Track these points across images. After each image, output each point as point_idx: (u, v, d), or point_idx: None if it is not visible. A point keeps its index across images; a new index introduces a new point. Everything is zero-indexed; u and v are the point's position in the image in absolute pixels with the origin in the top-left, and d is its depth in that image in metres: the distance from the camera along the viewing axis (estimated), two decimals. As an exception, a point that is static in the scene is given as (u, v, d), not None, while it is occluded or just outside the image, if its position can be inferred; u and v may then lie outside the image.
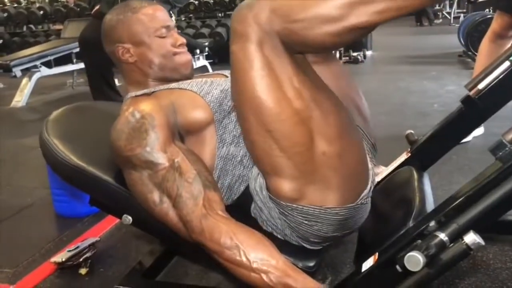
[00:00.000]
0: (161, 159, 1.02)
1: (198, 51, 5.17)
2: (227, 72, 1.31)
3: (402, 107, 3.42)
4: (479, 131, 2.55)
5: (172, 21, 1.25)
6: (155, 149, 1.02)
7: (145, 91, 1.19)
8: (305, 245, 1.10)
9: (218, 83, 1.16)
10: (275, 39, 0.89)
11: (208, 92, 1.13)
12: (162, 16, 1.22)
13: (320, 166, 0.97)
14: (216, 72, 1.35)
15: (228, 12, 7.58)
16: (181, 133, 1.10)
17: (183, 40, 1.24)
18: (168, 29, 1.22)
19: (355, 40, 0.92)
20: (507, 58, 1.21)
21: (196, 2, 7.42)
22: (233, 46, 0.93)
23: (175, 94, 1.13)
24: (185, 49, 1.25)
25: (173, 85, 1.18)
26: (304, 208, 1.00)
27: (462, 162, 2.21)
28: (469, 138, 2.48)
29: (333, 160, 0.98)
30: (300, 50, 0.94)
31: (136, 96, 1.18)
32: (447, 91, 3.84)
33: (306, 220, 1.02)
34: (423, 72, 4.83)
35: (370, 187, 1.09)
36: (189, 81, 1.19)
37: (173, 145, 1.04)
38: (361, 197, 1.05)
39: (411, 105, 3.47)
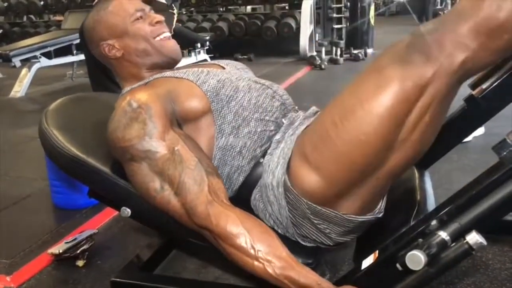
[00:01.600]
0: (160, 147, 1.01)
1: (199, 45, 5.16)
2: (223, 63, 1.30)
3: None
4: (480, 131, 2.54)
5: (146, 5, 1.24)
6: (154, 138, 1.01)
7: (140, 83, 1.19)
8: (304, 243, 1.10)
9: (215, 73, 1.15)
10: (464, 66, 0.83)
11: (204, 81, 1.12)
12: (133, 1, 1.22)
13: (365, 186, 0.97)
14: (212, 62, 1.34)
15: (229, 7, 7.57)
16: (179, 122, 1.10)
17: (160, 17, 1.22)
18: (143, 12, 1.21)
19: None
20: (511, 58, 1.20)
21: (198, -4, 7.39)
22: (403, 64, 0.86)
23: (171, 83, 1.13)
24: (164, 26, 1.23)
25: (168, 73, 1.17)
26: (322, 209, 1.00)
27: (463, 161, 2.21)
28: (469, 138, 2.47)
29: (379, 185, 0.98)
30: (501, 57, 0.89)
31: (133, 88, 1.17)
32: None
33: (316, 220, 1.02)
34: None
35: (383, 198, 1.09)
36: (184, 70, 1.18)
37: (172, 133, 1.03)
38: (375, 210, 1.06)
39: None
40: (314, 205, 1.00)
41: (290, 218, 1.06)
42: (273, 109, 1.15)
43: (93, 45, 1.24)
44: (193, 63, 1.33)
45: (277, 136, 1.13)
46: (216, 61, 1.33)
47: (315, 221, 1.03)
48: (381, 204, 1.08)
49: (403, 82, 0.85)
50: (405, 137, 0.89)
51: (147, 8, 1.23)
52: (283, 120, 1.16)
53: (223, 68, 1.27)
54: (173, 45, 1.24)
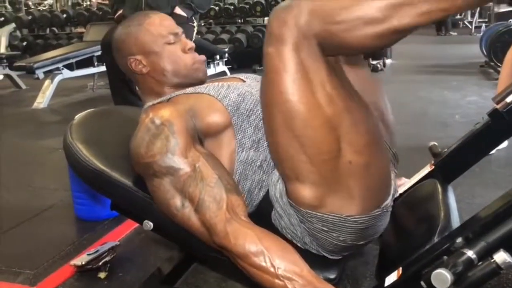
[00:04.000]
0: (182, 164, 1.02)
1: (217, 56, 5.19)
2: (243, 76, 1.31)
3: (422, 117, 3.39)
4: (503, 143, 2.51)
5: (179, 28, 1.26)
6: (176, 154, 1.03)
7: (162, 98, 1.20)
8: (324, 254, 1.09)
9: (235, 87, 1.16)
10: (312, 42, 0.88)
11: (225, 95, 1.13)
12: (169, 24, 1.24)
13: (345, 175, 0.96)
14: (232, 75, 1.36)
15: (247, 18, 7.62)
16: (200, 137, 1.11)
17: (192, 44, 1.25)
18: (176, 36, 1.23)
19: (394, 43, 0.91)
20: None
21: (217, 8, 7.46)
22: (268, 48, 0.92)
23: (192, 99, 1.14)
24: (195, 53, 1.26)
25: (190, 89, 1.19)
26: (324, 215, 1.00)
27: (486, 175, 2.17)
28: (492, 151, 2.43)
29: (358, 169, 0.97)
30: (337, 53, 0.94)
31: (154, 104, 1.19)
32: (468, 101, 3.79)
33: (325, 228, 1.02)
34: (443, 81, 4.77)
35: (392, 197, 1.08)
36: (205, 85, 1.19)
37: (194, 150, 1.05)
38: (381, 206, 1.04)
39: (431, 116, 3.44)
40: (315, 212, 1.00)
41: (302, 227, 1.05)
42: None
43: (120, 56, 1.26)
44: (215, 79, 1.34)
45: None
46: (236, 75, 1.34)
47: (324, 228, 1.02)
48: (389, 202, 1.06)
49: (280, 71, 0.90)
50: (331, 112, 0.92)
51: (180, 31, 1.25)
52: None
53: (243, 81, 1.28)
54: (203, 70, 1.27)
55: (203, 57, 1.27)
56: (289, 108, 0.92)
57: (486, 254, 0.82)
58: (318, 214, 0.99)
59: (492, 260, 0.79)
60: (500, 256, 0.78)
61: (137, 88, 1.31)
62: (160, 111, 1.08)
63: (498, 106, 1.25)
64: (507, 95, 1.23)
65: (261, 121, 1.12)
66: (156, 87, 1.24)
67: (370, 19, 0.83)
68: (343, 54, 0.97)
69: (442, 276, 0.81)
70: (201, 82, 1.26)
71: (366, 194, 1.00)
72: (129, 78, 1.30)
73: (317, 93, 0.91)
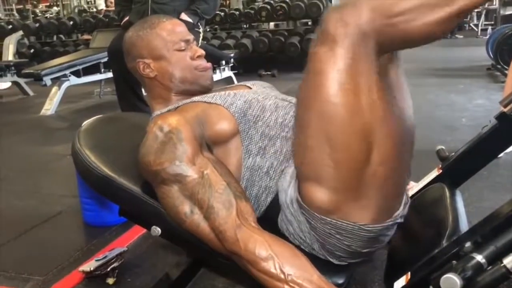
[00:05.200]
0: (190, 171, 1.03)
1: (223, 62, 5.21)
2: (250, 83, 1.31)
3: (429, 120, 3.37)
4: (511, 147, 2.49)
5: (190, 35, 1.27)
6: (184, 162, 1.03)
7: (170, 107, 1.21)
8: (332, 260, 1.09)
9: (241, 94, 1.17)
10: (370, 42, 0.87)
11: (231, 103, 1.14)
12: (181, 30, 1.25)
13: (366, 184, 0.95)
14: (239, 83, 1.36)
15: (253, 24, 7.64)
16: (208, 144, 1.11)
17: (201, 51, 1.26)
18: (187, 42, 1.24)
19: (453, 28, 0.91)
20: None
21: (222, 14, 7.49)
22: (318, 48, 0.90)
23: (200, 107, 1.15)
24: (204, 60, 1.26)
25: (197, 98, 1.19)
26: (338, 222, 0.99)
27: (494, 178, 2.16)
28: (500, 154, 2.42)
29: (381, 181, 0.96)
30: (398, 47, 0.94)
31: (162, 113, 1.20)
32: (475, 105, 3.78)
33: (337, 234, 1.01)
34: (450, 85, 4.76)
35: (403, 206, 1.07)
36: (212, 94, 1.20)
37: (202, 157, 1.05)
38: (395, 215, 1.03)
39: (438, 119, 3.42)
40: (329, 219, 0.99)
41: (312, 234, 1.05)
42: None
43: (130, 58, 1.27)
44: (221, 87, 1.35)
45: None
46: (242, 82, 1.34)
47: (336, 235, 1.02)
48: (402, 211, 1.06)
49: (330, 72, 0.88)
50: (369, 121, 0.90)
51: (191, 38, 1.26)
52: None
53: (250, 88, 1.28)
54: (210, 78, 1.27)
55: (209, 65, 1.28)
56: (328, 110, 0.90)
57: (495, 258, 0.81)
58: (333, 220, 0.99)
59: (502, 265, 0.79)
60: (510, 261, 0.78)
61: (144, 92, 1.32)
62: (168, 119, 1.08)
63: (505, 110, 1.25)
64: (515, 98, 1.23)
65: (268, 127, 1.12)
66: (163, 92, 1.25)
67: (433, 4, 0.82)
68: (403, 47, 0.94)
69: (451, 281, 0.80)
70: (208, 89, 1.26)
71: (381, 204, 1.00)
72: (137, 80, 1.32)
73: (362, 98, 0.89)
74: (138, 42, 1.24)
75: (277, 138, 1.12)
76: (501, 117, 1.27)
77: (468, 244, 0.88)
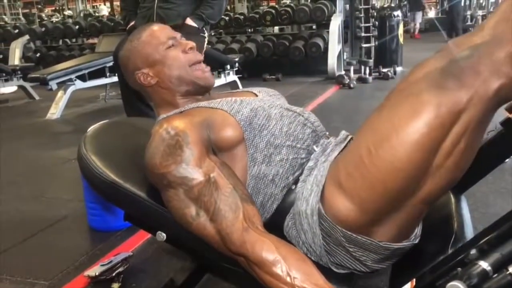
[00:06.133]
0: (197, 174, 1.03)
1: (228, 66, 5.22)
2: (256, 90, 1.31)
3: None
4: (516, 152, 2.48)
5: (177, 33, 1.27)
6: (190, 165, 1.03)
7: (176, 111, 1.21)
8: (337, 270, 1.09)
9: (248, 102, 1.17)
10: (501, 92, 0.83)
11: (238, 110, 1.14)
12: (166, 30, 1.26)
13: (400, 212, 0.96)
14: (245, 89, 1.36)
15: (257, 28, 7.66)
16: (214, 150, 1.11)
17: (192, 44, 1.25)
18: (175, 39, 1.24)
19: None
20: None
21: (227, 18, 7.52)
22: (437, 82, 0.86)
23: (206, 113, 1.15)
24: (197, 53, 1.26)
25: (203, 103, 1.19)
26: (358, 237, 0.99)
27: (499, 183, 2.15)
28: (507, 159, 2.41)
29: (415, 212, 0.97)
30: None
31: (168, 116, 1.20)
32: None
33: (352, 248, 1.01)
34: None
35: (419, 224, 1.08)
36: (218, 99, 1.20)
37: (208, 160, 1.05)
38: (413, 234, 1.05)
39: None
40: (350, 233, 0.99)
41: (324, 247, 1.05)
42: (305, 137, 1.16)
43: (128, 74, 1.28)
44: (228, 92, 1.35)
45: (310, 163, 1.13)
46: (249, 89, 1.34)
47: (350, 249, 1.02)
48: (417, 230, 1.07)
49: (438, 108, 0.84)
50: (440, 164, 0.88)
51: (178, 35, 1.26)
52: (314, 147, 1.17)
53: (256, 95, 1.28)
54: (207, 76, 1.26)
55: (201, 57, 1.27)
56: (414, 141, 0.87)
57: (501, 266, 0.81)
58: (353, 235, 0.99)
59: (508, 272, 0.78)
60: (516, 268, 0.78)
61: (151, 103, 1.32)
62: (174, 122, 1.09)
63: (511, 115, 1.25)
64: (520, 104, 1.23)
65: (273, 136, 1.12)
66: (168, 96, 1.25)
67: None
68: None
69: (456, 288, 0.80)
70: (208, 89, 1.26)
71: (404, 226, 1.01)
72: (141, 93, 1.32)
73: (447, 143, 0.86)
74: (131, 56, 1.25)
75: (283, 146, 1.12)
76: (506, 122, 1.27)
77: (473, 251, 0.87)
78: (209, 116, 1.13)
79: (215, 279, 1.50)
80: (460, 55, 0.87)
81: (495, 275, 0.80)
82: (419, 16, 13.31)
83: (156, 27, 1.27)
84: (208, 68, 1.28)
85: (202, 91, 1.26)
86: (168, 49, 1.22)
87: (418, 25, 13.27)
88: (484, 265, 0.82)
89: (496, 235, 0.86)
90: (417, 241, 1.06)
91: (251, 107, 1.15)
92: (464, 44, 0.99)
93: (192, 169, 1.03)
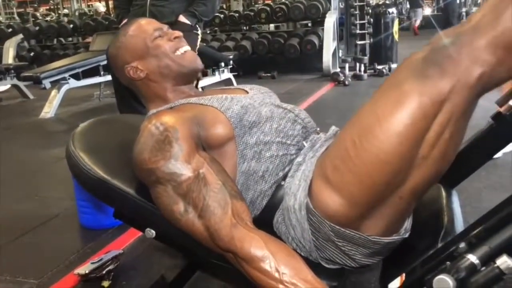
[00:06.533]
0: (186, 170, 1.02)
1: (223, 64, 5.21)
2: (247, 87, 1.30)
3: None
4: (509, 147, 2.48)
5: (164, 25, 1.27)
6: (179, 160, 1.02)
7: (166, 106, 1.20)
8: (327, 266, 1.08)
9: (238, 99, 1.16)
10: (482, 80, 0.82)
11: (228, 107, 1.13)
12: (150, 23, 1.26)
13: (388, 205, 0.95)
14: (236, 87, 1.36)
15: (253, 25, 7.65)
16: (204, 147, 1.10)
17: (178, 33, 1.25)
18: (161, 30, 1.24)
19: None
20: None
21: (222, 16, 7.50)
22: (419, 70, 0.86)
23: (196, 109, 1.14)
24: (183, 41, 1.26)
25: (193, 99, 1.19)
26: (346, 231, 0.98)
27: (492, 178, 2.15)
28: (499, 154, 2.41)
29: (403, 205, 0.96)
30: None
31: (158, 111, 1.19)
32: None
33: (341, 243, 1.01)
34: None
35: (409, 219, 1.07)
36: (209, 96, 1.19)
37: (197, 156, 1.04)
38: (401, 230, 1.04)
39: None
40: (338, 227, 0.98)
41: (313, 242, 1.05)
42: (295, 133, 1.15)
43: (118, 70, 1.27)
44: (219, 89, 1.34)
45: (299, 159, 1.12)
46: (240, 86, 1.34)
47: (339, 244, 1.01)
48: (407, 224, 1.06)
49: (420, 98, 0.84)
50: (426, 155, 0.87)
51: (165, 27, 1.26)
52: (304, 143, 1.16)
53: (247, 92, 1.28)
54: (192, 56, 1.26)
55: (185, 43, 1.26)
56: (397, 132, 0.86)
57: (489, 259, 0.80)
58: (341, 229, 0.98)
59: (495, 265, 0.78)
60: (503, 261, 0.77)
61: (141, 99, 1.32)
62: (164, 117, 1.08)
63: (501, 109, 1.24)
64: (510, 98, 1.22)
65: (263, 133, 1.11)
66: (158, 90, 1.24)
67: None
68: None
69: (444, 282, 0.79)
70: (197, 71, 1.27)
71: (393, 220, 1.00)
72: (132, 89, 1.31)
73: (431, 134, 0.86)
74: (119, 52, 1.25)
75: (273, 143, 1.11)
76: (497, 117, 1.26)
77: (462, 245, 0.86)
78: (199, 113, 1.12)
79: (206, 277, 1.50)
80: (442, 44, 0.86)
81: (483, 268, 0.80)
82: (419, 13, 13.44)
83: (143, 21, 1.27)
84: (193, 52, 1.27)
85: (191, 76, 1.26)
86: (154, 40, 1.22)
87: (419, 22, 13.37)
88: (472, 258, 0.81)
89: (485, 228, 0.85)
90: (407, 235, 1.06)
91: (241, 104, 1.14)
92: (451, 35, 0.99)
93: (181, 165, 1.02)
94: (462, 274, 0.80)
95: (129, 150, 1.12)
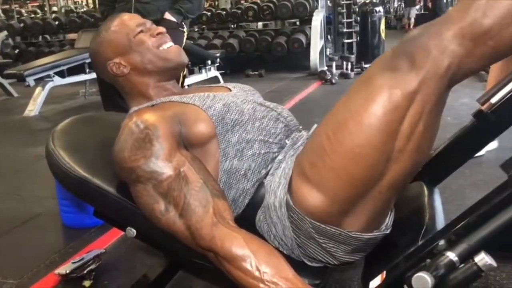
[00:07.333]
0: (166, 168, 1.01)
1: (209, 61, 5.20)
2: (231, 85, 1.30)
3: (414, 119, 3.38)
4: (493, 145, 2.51)
5: (147, 20, 1.26)
6: (160, 159, 1.01)
7: (147, 104, 1.19)
8: (310, 263, 1.08)
9: (221, 97, 1.15)
10: (448, 75, 0.83)
11: (210, 106, 1.12)
12: (133, 19, 1.24)
13: (366, 200, 0.95)
14: (219, 84, 1.35)
15: (240, 24, 7.64)
16: (186, 146, 1.09)
17: (161, 29, 1.24)
18: (144, 26, 1.23)
19: None
20: (521, 72, 1.18)
21: (209, 14, 7.47)
22: (388, 64, 0.86)
23: (178, 107, 1.13)
24: (166, 36, 1.24)
25: (175, 98, 1.17)
26: (326, 228, 0.98)
27: (476, 176, 2.17)
28: (482, 152, 2.43)
29: (382, 199, 0.96)
30: (485, 65, 0.87)
31: (139, 108, 1.18)
32: (461, 103, 3.80)
33: (322, 239, 1.00)
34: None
35: (390, 215, 1.07)
36: (191, 94, 1.18)
37: (179, 154, 1.03)
38: (382, 227, 1.04)
39: (423, 118, 3.43)
40: (318, 224, 0.98)
41: (294, 239, 1.04)
42: (277, 131, 1.15)
43: (100, 67, 1.25)
44: (201, 87, 1.33)
45: (280, 157, 1.12)
46: (224, 84, 1.33)
47: (320, 241, 1.01)
48: (388, 220, 1.06)
49: (391, 90, 0.84)
50: (401, 147, 0.88)
51: (148, 22, 1.25)
52: (286, 141, 1.16)
53: (230, 90, 1.27)
54: (177, 50, 1.25)
55: (168, 38, 1.25)
56: (371, 125, 0.87)
57: (468, 256, 0.80)
58: (321, 225, 0.98)
59: (473, 263, 0.78)
60: (481, 259, 0.77)
61: (124, 96, 1.30)
62: (144, 115, 1.06)
63: (483, 107, 1.25)
64: (492, 96, 1.22)
65: (245, 131, 1.11)
66: (141, 86, 1.22)
67: None
68: (488, 64, 0.88)
69: (422, 279, 0.80)
70: (181, 65, 1.25)
71: (373, 217, 1.00)
72: (115, 85, 1.29)
73: (405, 126, 0.86)
74: (101, 48, 1.23)
75: (255, 141, 1.11)
76: (478, 114, 1.27)
77: (442, 242, 0.87)
78: (181, 111, 1.11)
79: (188, 276, 1.48)
80: (412, 35, 0.86)
81: (462, 265, 0.80)
82: (413, 12, 13.73)
83: (125, 16, 1.25)
84: (177, 46, 1.26)
85: (175, 71, 1.25)
86: (137, 35, 1.21)
87: (413, 20, 13.62)
88: (451, 255, 0.81)
89: (464, 226, 0.85)
90: (388, 231, 1.06)
91: (223, 102, 1.13)
92: None
93: (161, 163, 1.01)
94: (441, 272, 0.80)
95: (110, 149, 1.10)
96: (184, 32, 3.19)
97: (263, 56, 6.97)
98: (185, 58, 1.26)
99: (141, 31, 1.21)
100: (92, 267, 1.52)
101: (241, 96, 1.21)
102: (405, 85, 0.83)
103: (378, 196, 0.94)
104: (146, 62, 1.20)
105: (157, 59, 1.21)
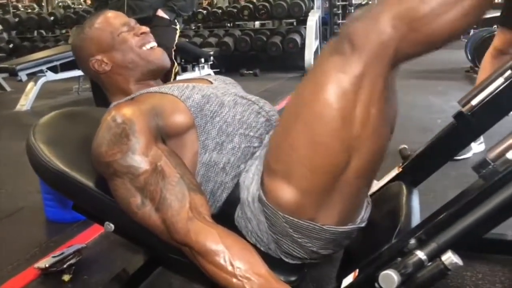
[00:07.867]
0: (143, 163, 1.01)
1: (203, 60, 5.19)
2: (212, 78, 1.30)
3: (404, 121, 3.38)
4: (480, 147, 2.52)
5: (132, 19, 1.26)
6: (137, 153, 1.01)
7: (127, 98, 1.19)
8: (286, 260, 1.08)
9: (200, 88, 1.15)
10: (388, 56, 0.83)
11: (189, 96, 1.12)
12: (118, 17, 1.24)
13: (336, 191, 0.95)
14: (200, 77, 1.35)
15: (236, 22, 7.63)
16: (163, 137, 1.09)
17: (146, 28, 1.25)
18: (128, 25, 1.23)
19: (478, 20, 0.85)
20: (500, 75, 1.19)
21: (205, 12, 7.46)
22: (332, 52, 0.87)
23: (156, 98, 1.13)
24: (150, 36, 1.25)
25: (154, 89, 1.18)
26: (300, 222, 0.98)
27: (461, 178, 2.18)
28: (469, 154, 2.44)
29: (352, 190, 0.96)
30: (421, 52, 0.88)
31: (118, 103, 1.18)
32: (452, 106, 3.81)
33: (296, 234, 1.00)
34: (429, 87, 4.80)
35: (366, 209, 1.08)
36: (170, 85, 1.18)
37: (155, 148, 1.03)
38: (357, 220, 1.04)
39: (414, 120, 3.45)
40: (291, 218, 0.98)
41: (270, 234, 1.04)
42: (258, 125, 1.15)
43: (82, 62, 1.25)
44: (182, 79, 1.33)
45: (257, 153, 1.12)
46: (205, 76, 1.33)
47: (295, 236, 1.01)
48: (364, 213, 1.06)
49: (337, 75, 0.85)
50: (358, 134, 0.88)
51: (132, 21, 1.25)
52: (266, 136, 1.15)
53: (211, 83, 1.27)
54: (159, 53, 1.25)
55: (151, 38, 1.26)
56: (322, 112, 0.87)
57: (436, 255, 0.81)
58: (294, 219, 0.98)
59: (440, 261, 0.78)
60: (448, 257, 0.78)
61: (105, 92, 1.30)
62: (122, 110, 1.06)
63: (463, 109, 1.26)
64: (472, 98, 1.24)
65: (225, 123, 1.11)
66: (122, 83, 1.23)
67: None
68: (425, 52, 0.89)
69: (389, 277, 0.80)
70: (163, 68, 1.26)
71: (346, 209, 1.00)
72: (97, 82, 1.29)
73: (358, 110, 0.86)
74: (84, 44, 1.23)
75: (235, 134, 1.11)
76: (458, 116, 1.28)
77: (412, 241, 0.88)
78: (159, 102, 1.11)
79: (168, 272, 1.48)
80: (353, 17, 0.87)
81: (430, 263, 0.80)
82: None
83: (110, 14, 1.25)
84: (160, 49, 1.26)
85: (156, 72, 1.25)
86: (121, 34, 1.21)
87: None
88: (420, 254, 0.82)
89: (433, 225, 0.86)
90: (363, 224, 1.06)
91: (203, 94, 1.13)
92: None
93: (138, 158, 1.01)
94: (408, 270, 0.81)
95: (90, 143, 1.11)
96: (176, 29, 3.19)
97: (258, 56, 6.97)
98: (167, 61, 1.27)
99: (126, 30, 1.22)
100: (72, 261, 1.51)
101: (222, 88, 1.21)
102: (350, 68, 0.84)
103: (348, 187, 0.94)
104: (128, 61, 1.21)
105: (139, 59, 1.22)
